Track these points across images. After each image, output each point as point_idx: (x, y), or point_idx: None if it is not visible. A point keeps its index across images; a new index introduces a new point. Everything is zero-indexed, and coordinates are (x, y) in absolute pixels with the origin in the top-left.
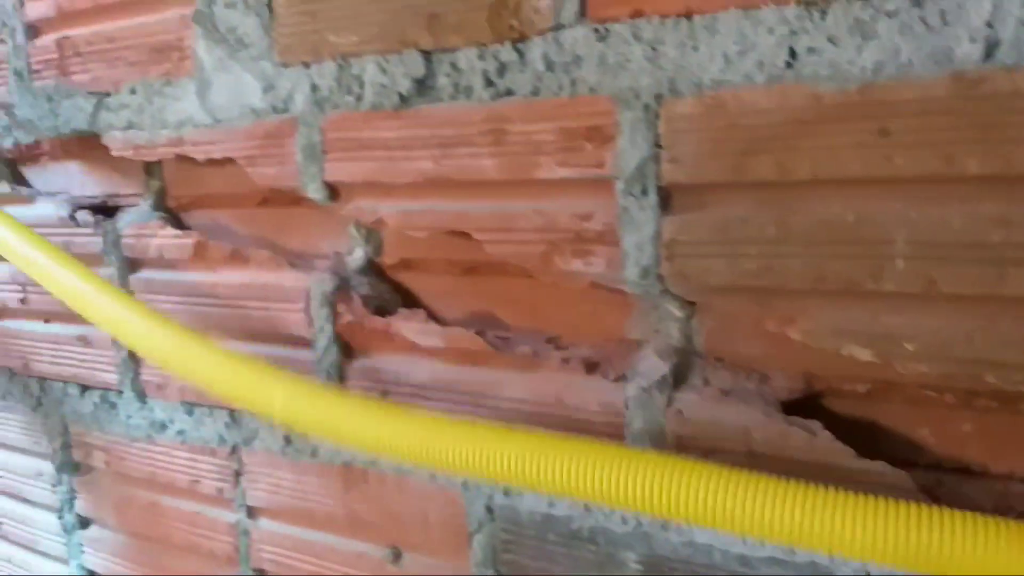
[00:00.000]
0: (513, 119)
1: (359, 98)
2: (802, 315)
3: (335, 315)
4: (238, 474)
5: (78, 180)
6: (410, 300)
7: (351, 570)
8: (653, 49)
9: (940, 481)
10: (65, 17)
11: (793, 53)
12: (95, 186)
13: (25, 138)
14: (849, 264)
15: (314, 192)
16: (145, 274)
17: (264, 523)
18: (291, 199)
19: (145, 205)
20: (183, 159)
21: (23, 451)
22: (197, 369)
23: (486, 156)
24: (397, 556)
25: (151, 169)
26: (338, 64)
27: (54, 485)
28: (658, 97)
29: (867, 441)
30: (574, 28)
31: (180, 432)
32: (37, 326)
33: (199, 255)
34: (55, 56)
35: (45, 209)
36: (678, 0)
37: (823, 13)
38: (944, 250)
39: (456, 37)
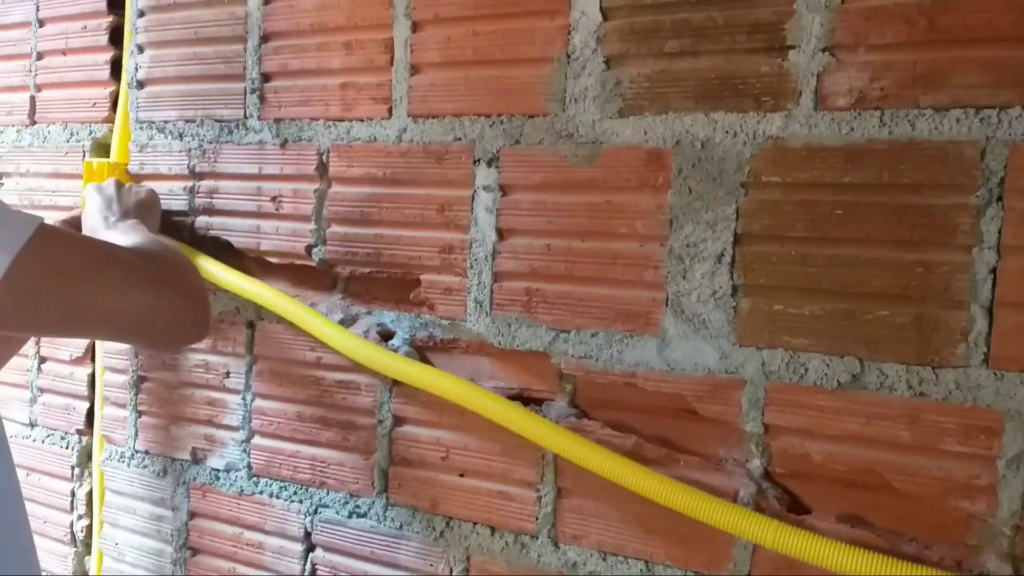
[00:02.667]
0: (927, 412)
1: (802, 377)
2: None
3: (759, 511)
4: None
5: (487, 372)
6: (790, 496)
7: None
8: None
9: None
10: (538, 276)
11: None
12: (507, 380)
13: (444, 335)
14: None
15: (751, 428)
16: None
17: None
18: (701, 418)
19: (561, 402)
20: (630, 386)
21: (412, 571)
22: (688, 503)
23: (902, 429)
24: None
25: (565, 375)
26: (788, 353)
27: None
28: None
29: None
30: (978, 369)
31: (592, 572)
32: (452, 478)
33: (635, 452)
34: (522, 299)
35: None
36: None
37: None
38: None
39: (887, 357)
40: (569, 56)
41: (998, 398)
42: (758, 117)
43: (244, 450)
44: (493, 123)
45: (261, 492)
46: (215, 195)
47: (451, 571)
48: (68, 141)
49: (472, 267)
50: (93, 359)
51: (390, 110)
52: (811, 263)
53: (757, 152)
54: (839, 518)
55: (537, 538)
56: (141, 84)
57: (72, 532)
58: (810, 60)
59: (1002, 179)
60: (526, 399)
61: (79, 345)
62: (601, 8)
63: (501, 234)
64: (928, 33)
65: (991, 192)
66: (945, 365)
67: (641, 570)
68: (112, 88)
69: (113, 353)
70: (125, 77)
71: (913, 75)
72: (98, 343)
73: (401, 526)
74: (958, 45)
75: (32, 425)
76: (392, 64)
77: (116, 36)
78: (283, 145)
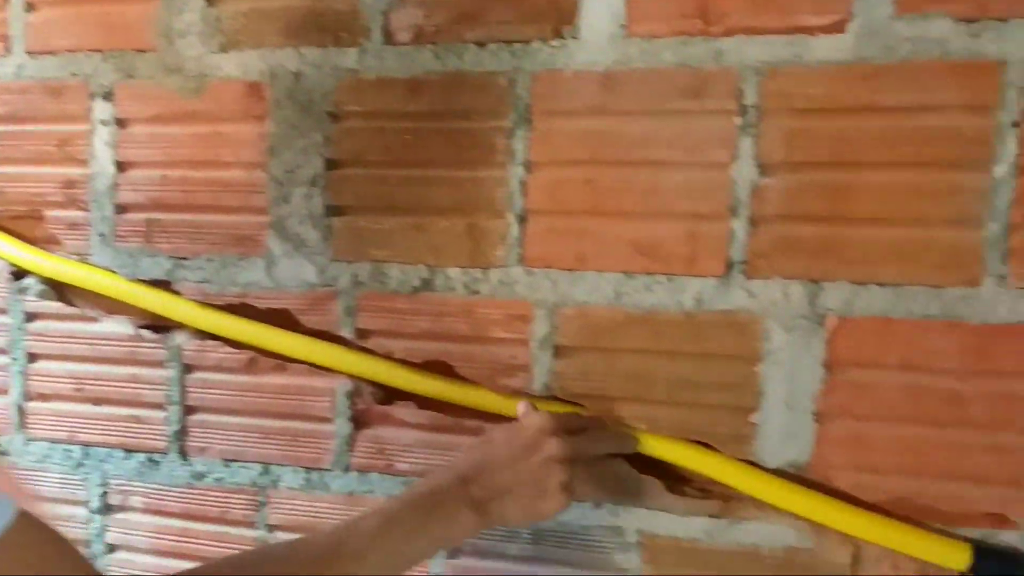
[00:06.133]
0: (479, 307)
1: (384, 284)
2: None
3: (352, 404)
4: (263, 504)
5: (116, 308)
6: (384, 391)
7: None
8: (553, 283)
9: None
10: (157, 206)
11: None
12: (137, 316)
13: None
14: None
15: (347, 333)
16: (200, 375)
17: (281, 536)
18: (311, 331)
19: (187, 329)
20: (245, 306)
21: (59, 501)
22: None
23: (462, 323)
24: None
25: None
26: (373, 265)
27: (86, 523)
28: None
29: None
30: (515, 268)
31: (218, 479)
32: (87, 408)
33: (250, 366)
34: (142, 229)
35: (111, 327)
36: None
37: None
38: None
39: (449, 262)
40: None
41: (529, 291)
42: (338, 52)
43: None
44: (106, 58)
45: None
46: None
47: (92, 496)
48: None
49: (94, 201)
50: None
51: (8, 48)
52: (387, 183)
53: (339, 84)
54: (420, 404)
55: (168, 455)
56: None
57: None
58: None
59: (528, 105)
60: (159, 328)
61: None
62: None
63: (120, 167)
64: None
65: (520, 116)
66: (491, 266)
67: (259, 471)
68: None
69: None
70: None
71: (459, 13)
72: None
73: (42, 459)
74: None
75: None
76: (7, 1)
77: None
78: None
